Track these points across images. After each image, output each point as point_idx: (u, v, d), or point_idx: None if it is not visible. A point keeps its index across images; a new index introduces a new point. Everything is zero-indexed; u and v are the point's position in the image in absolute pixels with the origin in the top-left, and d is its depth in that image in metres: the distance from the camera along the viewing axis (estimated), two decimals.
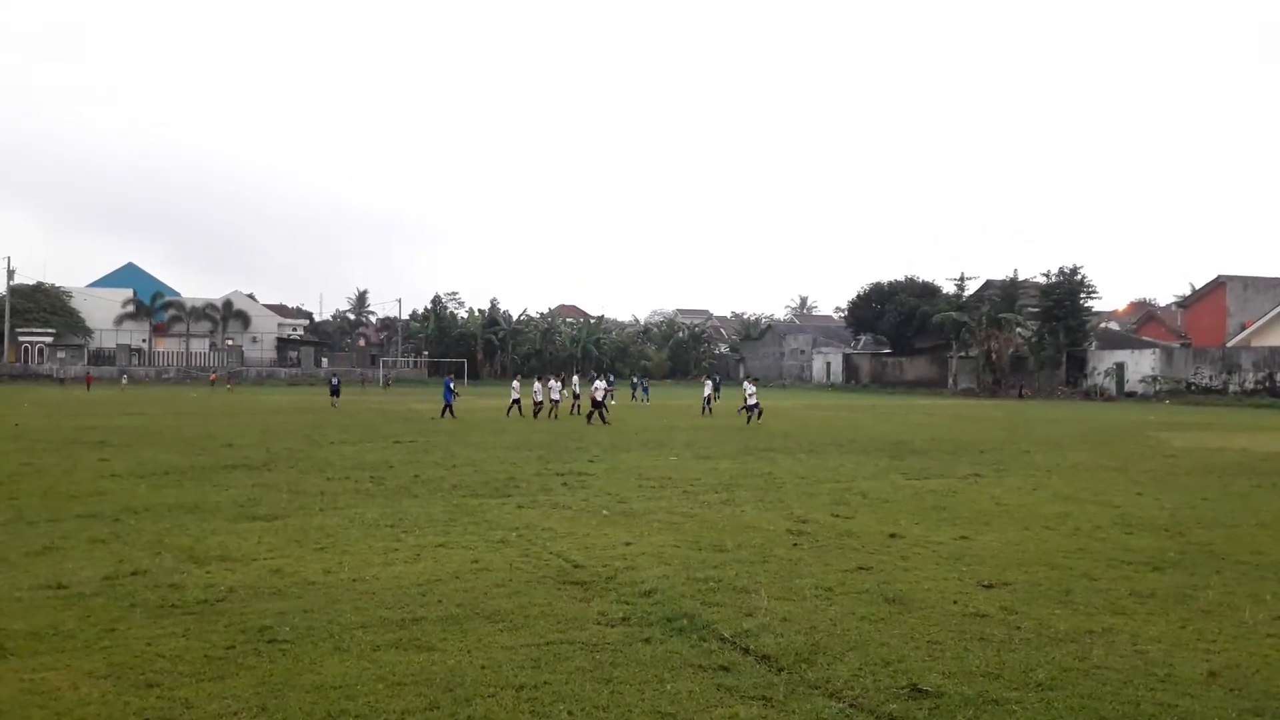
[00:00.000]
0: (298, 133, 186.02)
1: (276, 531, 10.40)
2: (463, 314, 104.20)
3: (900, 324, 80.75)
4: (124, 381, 72.15)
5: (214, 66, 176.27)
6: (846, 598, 7.58)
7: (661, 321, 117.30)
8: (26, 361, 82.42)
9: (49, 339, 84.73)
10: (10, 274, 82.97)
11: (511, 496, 13.32)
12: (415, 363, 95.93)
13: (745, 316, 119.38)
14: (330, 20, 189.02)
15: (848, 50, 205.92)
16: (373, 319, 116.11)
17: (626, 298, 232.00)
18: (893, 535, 10.46)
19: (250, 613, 6.91)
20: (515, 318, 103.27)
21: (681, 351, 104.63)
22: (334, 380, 44.03)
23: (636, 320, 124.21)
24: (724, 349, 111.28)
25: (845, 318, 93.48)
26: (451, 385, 35.01)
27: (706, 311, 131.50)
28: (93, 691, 5.23)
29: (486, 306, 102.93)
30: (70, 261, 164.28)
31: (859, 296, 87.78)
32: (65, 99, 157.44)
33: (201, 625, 6.58)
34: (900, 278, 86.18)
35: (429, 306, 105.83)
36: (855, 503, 13.05)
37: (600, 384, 32.07)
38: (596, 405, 30.56)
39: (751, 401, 30.58)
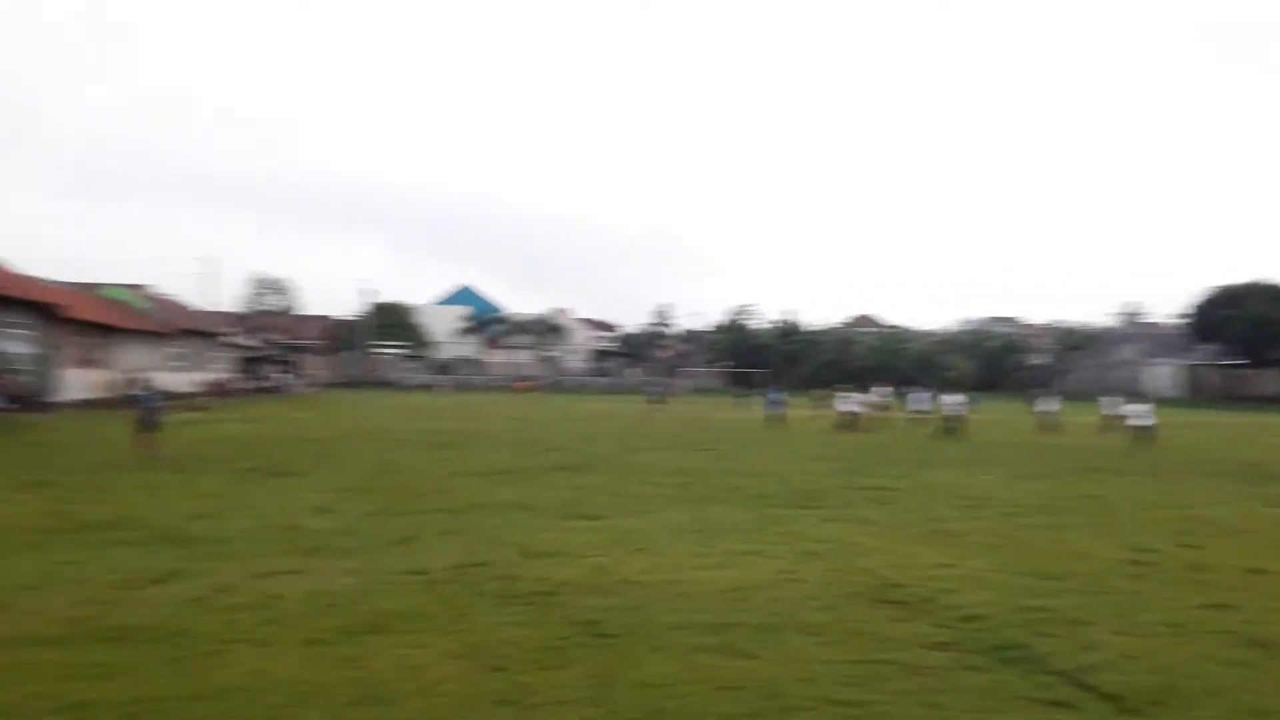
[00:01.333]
0: (598, 157, 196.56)
1: (598, 531, 11.02)
2: (759, 325, 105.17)
3: (1251, 332, 71.30)
4: (439, 388, 79.07)
5: (543, 105, 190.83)
6: (1201, 637, 6.81)
7: (970, 330, 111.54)
8: (383, 371, 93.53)
9: (401, 350, 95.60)
10: (369, 294, 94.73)
11: (816, 508, 13.21)
12: (714, 373, 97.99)
13: (1065, 324, 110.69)
14: (637, 44, 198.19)
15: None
16: (674, 331, 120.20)
17: (929, 307, 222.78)
18: (1254, 570, 9.26)
19: (579, 607, 7.38)
20: (811, 328, 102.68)
21: (993, 362, 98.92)
22: (653, 389, 46.28)
23: (941, 329, 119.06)
24: (1041, 359, 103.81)
25: (1184, 325, 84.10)
26: (776, 396, 35.63)
27: (1019, 320, 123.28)
28: (452, 670, 5.82)
29: (783, 318, 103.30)
30: (417, 283, 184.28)
31: (1201, 302, 78.62)
32: (408, 142, 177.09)
33: (538, 615, 7.11)
34: (1251, 280, 76.18)
35: (726, 318, 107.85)
36: (1204, 532, 11.68)
37: (953, 398, 32.11)
38: (947, 420, 30.61)
39: (1149, 422, 28.01)
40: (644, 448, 23.56)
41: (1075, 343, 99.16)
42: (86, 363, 43.06)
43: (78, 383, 40.76)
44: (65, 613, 6.85)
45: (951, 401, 31.84)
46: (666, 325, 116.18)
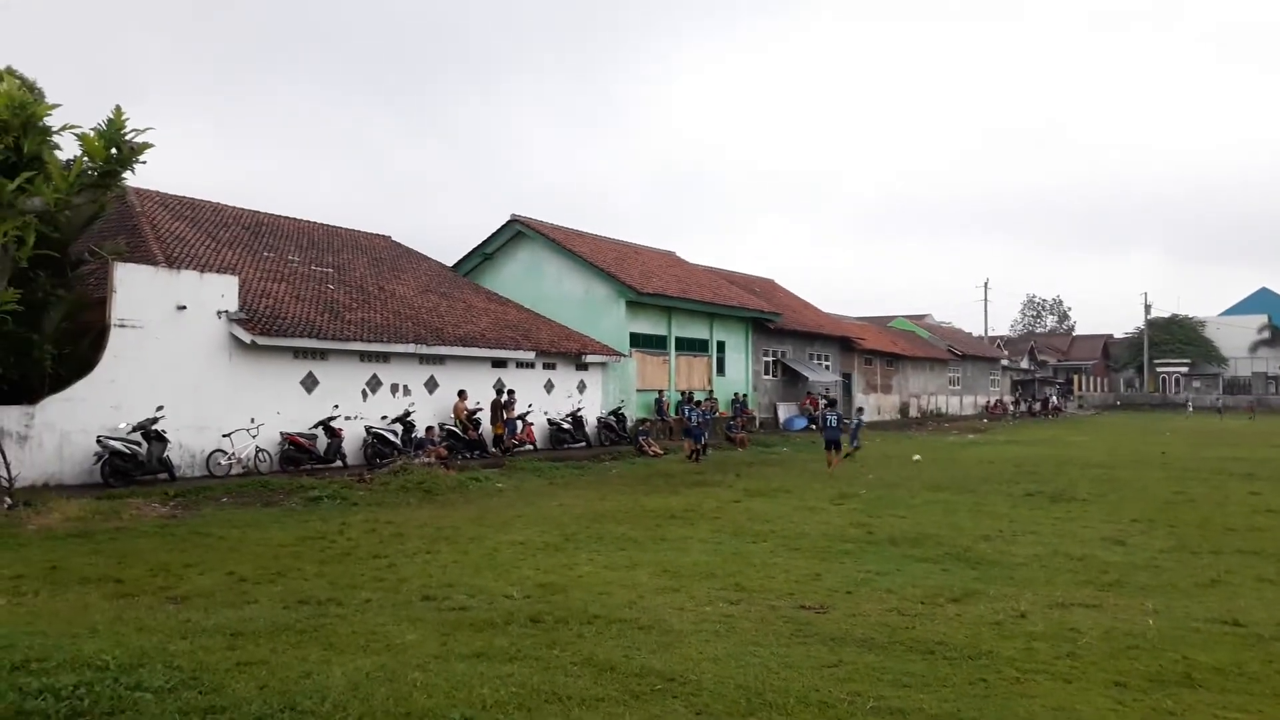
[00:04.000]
0: None
1: None
2: None
3: None
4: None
5: None
6: None
7: None
8: (1164, 391, 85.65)
9: (1185, 369, 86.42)
10: (1147, 309, 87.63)
11: None
12: None
13: None
14: None
15: None
16: None
17: None
18: None
19: None
20: None
21: None
22: None
23: None
24: None
25: None
26: None
27: None
28: None
29: None
30: (1201, 292, 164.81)
31: None
32: (1181, 143, 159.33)
33: None
34: None
35: None
36: None
37: None
38: None
39: None
40: None
41: None
42: (875, 387, 47.86)
43: (868, 405, 45.51)
44: (878, 619, 7.58)
45: None
46: None
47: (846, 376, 44.38)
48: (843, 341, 43.96)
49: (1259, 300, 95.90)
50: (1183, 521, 13.36)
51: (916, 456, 25.36)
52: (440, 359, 22.38)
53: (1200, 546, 11.28)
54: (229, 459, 17.73)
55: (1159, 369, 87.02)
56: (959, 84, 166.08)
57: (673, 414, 29.97)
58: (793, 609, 7.92)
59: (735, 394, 33.97)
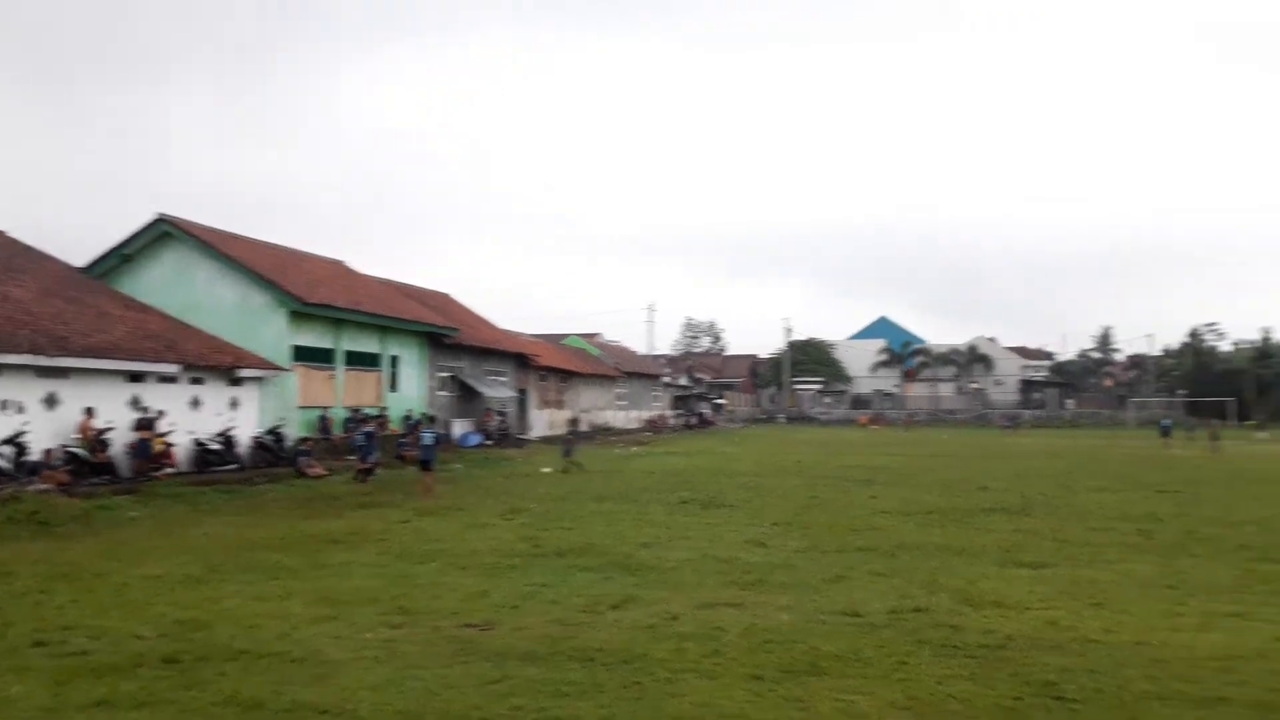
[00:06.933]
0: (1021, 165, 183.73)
1: (1045, 581, 10.18)
2: (1226, 347, 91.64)
3: None
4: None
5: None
6: None
7: None
8: (801, 406, 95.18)
9: (818, 386, 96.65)
10: (788, 332, 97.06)
11: None
12: (1169, 403, 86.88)
13: None
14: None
15: None
16: (1119, 357, 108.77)
17: None
18: None
19: (1032, 664, 6.81)
20: None
21: None
22: (1165, 423, 45.10)
23: None
24: None
25: None
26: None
27: None
28: None
29: (1257, 337, 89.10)
30: (833, 318, 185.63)
31: None
32: (821, 180, 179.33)
33: (985, 671, 6.66)
34: None
35: (1184, 341, 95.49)
36: None
37: None
38: None
39: None
40: (1091, 488, 21.50)
41: None
42: (549, 403, 48.78)
43: (542, 421, 46.32)
44: (542, 631, 7.67)
45: None
46: (1110, 351, 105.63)
47: (522, 392, 44.87)
48: (519, 358, 44.40)
49: (879, 328, 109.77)
50: (814, 524, 14.82)
51: (547, 469, 26.32)
52: (63, 372, 19.75)
53: (828, 546, 12.55)
54: None
55: (797, 386, 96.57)
56: (627, 114, 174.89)
57: (339, 432, 28.67)
58: (457, 628, 7.80)
59: (409, 411, 33.16)
